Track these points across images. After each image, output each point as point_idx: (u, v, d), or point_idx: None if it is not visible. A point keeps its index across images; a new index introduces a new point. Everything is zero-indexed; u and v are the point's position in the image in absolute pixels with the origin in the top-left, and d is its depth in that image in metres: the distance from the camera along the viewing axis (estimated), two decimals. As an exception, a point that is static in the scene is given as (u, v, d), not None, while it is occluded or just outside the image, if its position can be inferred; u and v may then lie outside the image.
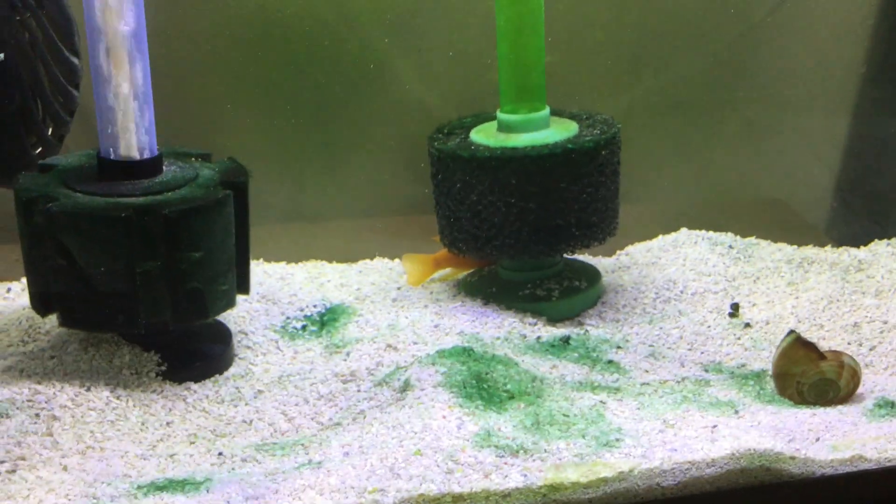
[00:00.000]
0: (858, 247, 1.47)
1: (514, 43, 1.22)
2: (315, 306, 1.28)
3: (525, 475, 0.92)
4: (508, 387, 1.07)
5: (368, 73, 1.41)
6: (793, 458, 0.97)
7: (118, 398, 1.05)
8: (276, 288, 1.32)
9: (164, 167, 1.11)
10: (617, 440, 0.99)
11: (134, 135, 1.06)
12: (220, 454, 0.98)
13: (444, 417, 1.00)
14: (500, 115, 1.27)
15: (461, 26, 1.41)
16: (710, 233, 1.49)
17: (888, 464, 0.99)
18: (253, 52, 1.38)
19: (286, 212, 1.45)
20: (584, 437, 1.00)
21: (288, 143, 1.43)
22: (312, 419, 1.07)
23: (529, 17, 1.21)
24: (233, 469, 0.96)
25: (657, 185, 1.55)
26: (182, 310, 1.07)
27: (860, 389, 1.13)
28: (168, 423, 1.04)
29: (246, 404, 1.09)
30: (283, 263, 1.41)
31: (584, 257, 1.44)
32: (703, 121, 1.56)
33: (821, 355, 1.11)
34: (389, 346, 1.18)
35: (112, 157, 1.08)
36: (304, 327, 1.25)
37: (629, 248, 1.49)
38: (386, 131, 1.44)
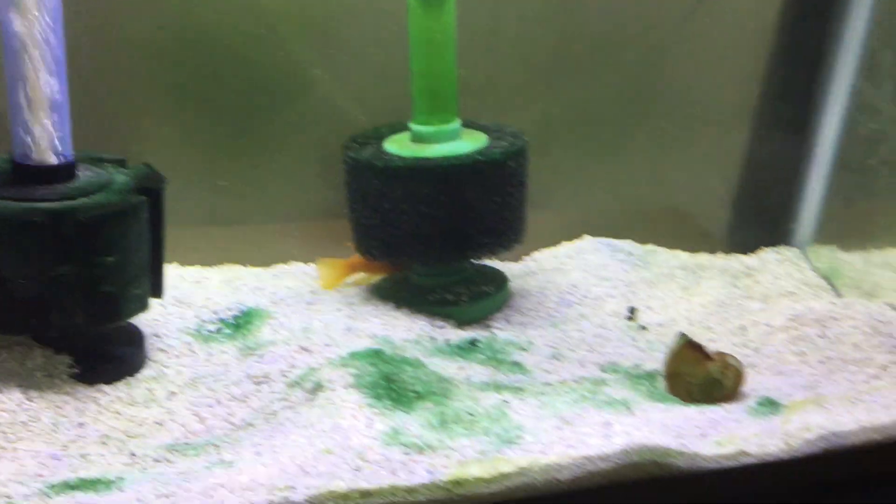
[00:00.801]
0: (748, 254, 1.55)
1: (426, 56, 1.25)
2: (230, 309, 1.29)
3: (430, 472, 0.96)
4: (417, 387, 1.10)
5: (285, 81, 1.43)
6: (681, 453, 1.02)
7: (30, 400, 1.06)
8: (191, 291, 1.33)
9: (78, 172, 1.11)
10: (518, 437, 1.03)
11: (48, 140, 1.07)
12: (133, 454, 1.00)
13: (354, 417, 1.02)
14: (413, 126, 1.30)
15: (378, 37, 1.43)
16: (612, 240, 1.55)
17: (768, 458, 1.05)
18: (170, 58, 1.38)
19: (202, 216, 1.45)
20: (487, 434, 1.03)
21: (204, 149, 1.43)
22: (225, 420, 1.09)
23: (441, 32, 1.25)
24: (145, 469, 0.97)
25: (563, 194, 1.59)
26: (95, 313, 1.07)
27: (744, 389, 1.18)
28: (80, 425, 1.05)
29: (159, 406, 1.10)
30: (197, 267, 1.42)
31: (492, 263, 1.47)
32: (608, 134, 1.60)
33: (707, 357, 1.17)
34: (302, 348, 1.20)
35: (26, 161, 1.08)
36: (218, 330, 1.26)
37: (535, 254, 1.54)
38: (302, 138, 1.45)
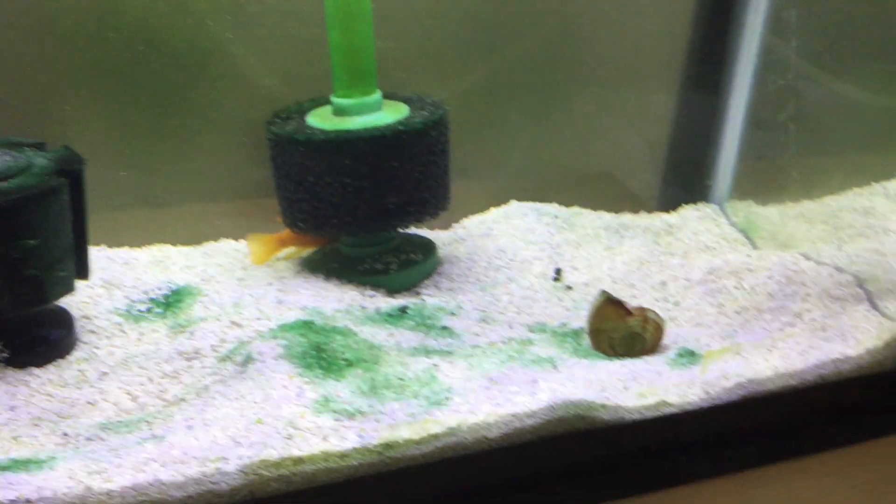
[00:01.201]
0: (669, 212, 1.59)
1: (343, 30, 1.26)
2: (160, 289, 1.30)
3: (361, 436, 0.98)
4: (347, 355, 1.13)
5: (208, 60, 1.42)
6: (604, 406, 1.06)
7: (-41, 386, 1.06)
8: (120, 273, 1.33)
9: (-4, 157, 1.11)
10: (447, 399, 1.06)
11: (-38, 126, 1.07)
12: (65, 434, 1.01)
13: (284, 387, 1.05)
14: (335, 99, 1.31)
15: (298, 13, 1.44)
16: (538, 204, 1.58)
17: (689, 407, 1.09)
18: (88, 40, 1.37)
19: (130, 198, 1.44)
20: (416, 397, 1.06)
21: (130, 130, 1.42)
22: (157, 397, 1.10)
23: (357, 5, 1.25)
24: (77, 448, 0.98)
25: (492, 162, 1.62)
26: (20, 296, 1.08)
27: (665, 341, 1.23)
28: (12, 408, 1.05)
29: (90, 386, 1.11)
30: (126, 248, 1.42)
31: (421, 231, 1.50)
32: (535, 101, 1.62)
33: (628, 312, 1.21)
34: (234, 323, 1.21)
35: (-58, 148, 1.08)
36: (148, 310, 1.26)
37: (464, 221, 1.56)
38: (229, 116, 1.45)
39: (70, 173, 1.12)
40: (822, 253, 1.38)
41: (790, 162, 1.44)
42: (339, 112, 1.31)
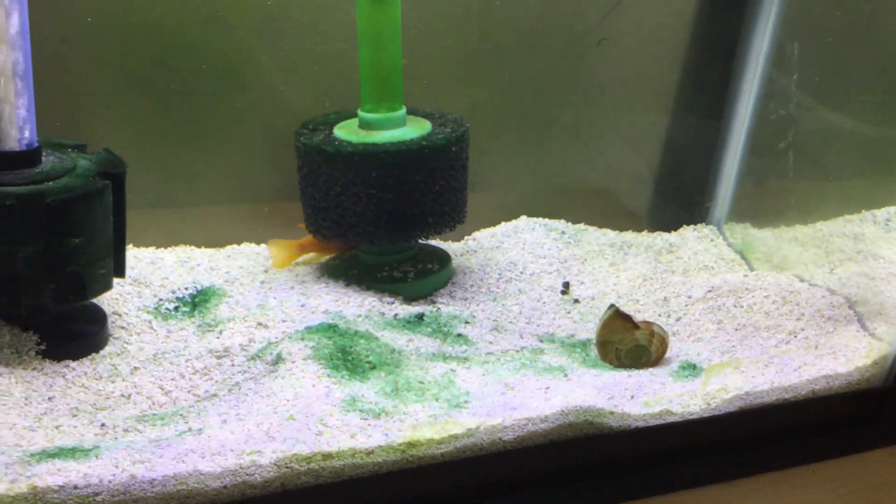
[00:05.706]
0: (670, 231, 1.65)
1: (373, 48, 1.30)
2: (186, 289, 1.34)
3: (386, 434, 1.03)
4: (370, 358, 1.17)
5: (233, 68, 1.47)
6: (612, 413, 1.11)
7: (0, 375, 1.09)
8: (148, 272, 1.37)
9: (42, 157, 1.15)
10: (465, 402, 1.11)
11: (15, 126, 1.10)
12: (103, 425, 1.04)
13: (313, 386, 1.09)
14: (362, 113, 1.36)
15: (321, 30, 1.49)
16: (546, 220, 1.63)
17: (690, 417, 1.15)
18: (123, 48, 1.41)
19: (154, 199, 1.49)
20: (437, 400, 1.11)
21: (157, 134, 1.47)
22: (189, 392, 1.14)
23: (388, 25, 1.30)
24: (116, 438, 1.02)
25: (501, 176, 1.67)
26: (62, 292, 1.11)
27: (668, 354, 1.29)
28: (50, 398, 1.09)
29: (123, 380, 1.15)
30: (152, 249, 1.46)
31: (436, 242, 1.55)
32: (540, 120, 1.68)
33: (635, 325, 1.27)
34: (260, 324, 1.25)
35: (-7, 148, 1.11)
36: (176, 308, 1.30)
37: (476, 234, 1.61)
38: (253, 125, 1.50)
39: (112, 176, 1.16)
40: (814, 275, 1.44)
41: (786, 187, 1.50)
42: (366, 126, 1.35)
